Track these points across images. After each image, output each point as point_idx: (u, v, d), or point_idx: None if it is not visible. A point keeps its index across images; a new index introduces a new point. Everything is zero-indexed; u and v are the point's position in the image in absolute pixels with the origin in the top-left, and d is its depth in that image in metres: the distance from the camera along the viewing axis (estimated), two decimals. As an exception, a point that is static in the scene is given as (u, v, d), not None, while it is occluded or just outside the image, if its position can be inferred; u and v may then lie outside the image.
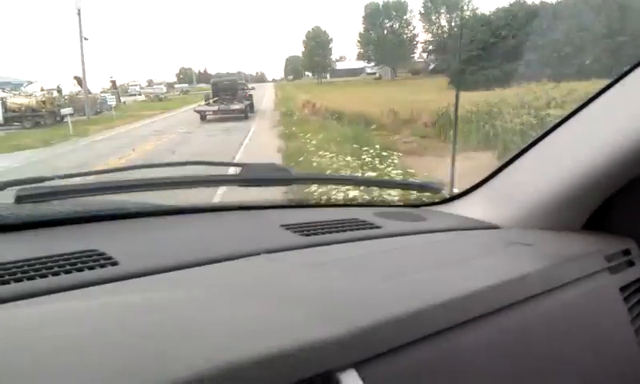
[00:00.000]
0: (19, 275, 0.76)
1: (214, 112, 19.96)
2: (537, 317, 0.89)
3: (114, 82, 39.92)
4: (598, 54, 11.83)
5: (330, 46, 55.26)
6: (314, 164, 7.00)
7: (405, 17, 49.99)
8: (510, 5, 27.82)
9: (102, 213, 1.12)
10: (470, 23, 34.77)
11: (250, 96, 22.80)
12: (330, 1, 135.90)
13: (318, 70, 55.75)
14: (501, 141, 9.10)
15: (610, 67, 11.17)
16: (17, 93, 22.39)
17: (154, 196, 1.22)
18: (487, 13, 26.61)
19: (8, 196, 1.05)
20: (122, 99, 36.22)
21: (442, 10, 48.18)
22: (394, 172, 6.01)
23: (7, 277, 0.75)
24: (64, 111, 19.64)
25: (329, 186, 3.65)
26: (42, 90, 24.10)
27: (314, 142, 10.10)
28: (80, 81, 25.62)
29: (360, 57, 56.00)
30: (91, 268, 0.82)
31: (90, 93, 25.89)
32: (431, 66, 47.07)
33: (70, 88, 26.87)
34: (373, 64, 54.05)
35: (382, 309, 0.72)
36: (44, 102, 21.10)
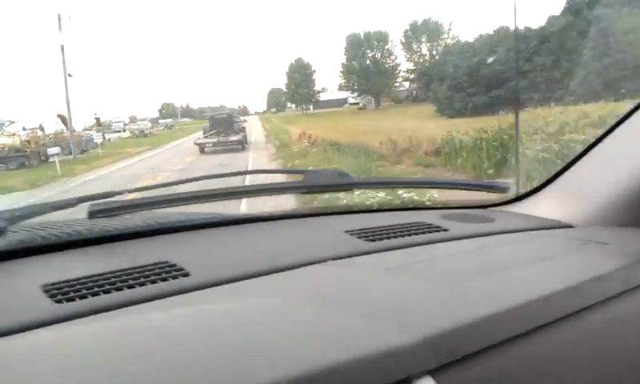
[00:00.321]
0: (96, 289, 0.78)
1: (214, 144, 20.36)
2: (617, 318, 0.84)
3: (98, 119, 39.11)
4: (590, 77, 11.80)
5: (314, 77, 55.39)
6: (344, 201, 6.55)
7: (386, 46, 50.60)
8: (494, 31, 28.27)
9: (171, 225, 1.15)
10: (455, 49, 35.29)
11: (244, 128, 23.48)
12: (310, 33, 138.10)
13: (302, 101, 55.74)
14: (523, 170, 8.77)
15: (604, 88, 11.20)
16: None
17: (216, 206, 1.24)
18: (470, 40, 26.95)
19: (80, 211, 1.09)
20: (107, 136, 35.52)
21: (423, 39, 48.96)
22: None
23: (84, 291, 0.78)
24: (51, 151, 18.99)
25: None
26: (24, 129, 23.42)
27: (326, 176, 9.61)
28: (64, 119, 24.99)
29: (342, 87, 56.45)
30: (164, 280, 0.84)
31: (74, 130, 25.21)
32: (414, 94, 47.63)
33: (53, 126, 26.16)
34: (356, 94, 54.31)
35: (456, 315, 0.70)
36: (28, 142, 20.50)
